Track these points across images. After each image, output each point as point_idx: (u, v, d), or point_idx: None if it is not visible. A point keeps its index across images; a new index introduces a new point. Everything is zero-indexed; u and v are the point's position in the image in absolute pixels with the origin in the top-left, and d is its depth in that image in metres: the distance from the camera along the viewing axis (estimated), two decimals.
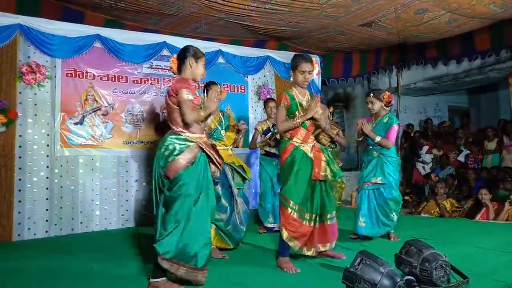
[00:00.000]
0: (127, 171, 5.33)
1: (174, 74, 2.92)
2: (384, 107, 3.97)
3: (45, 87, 4.82)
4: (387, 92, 4.00)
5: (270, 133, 4.63)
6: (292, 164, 3.11)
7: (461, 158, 7.00)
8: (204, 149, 2.70)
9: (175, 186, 2.61)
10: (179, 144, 2.64)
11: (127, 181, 5.32)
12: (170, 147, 2.64)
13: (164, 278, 2.62)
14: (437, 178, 6.41)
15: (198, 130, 2.73)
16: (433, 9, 5.07)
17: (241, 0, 4.81)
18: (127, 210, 5.29)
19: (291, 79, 3.27)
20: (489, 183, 5.81)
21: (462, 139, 7.26)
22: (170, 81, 5.69)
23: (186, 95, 2.59)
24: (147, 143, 5.49)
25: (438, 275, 2.38)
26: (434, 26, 5.64)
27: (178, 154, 2.61)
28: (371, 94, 3.98)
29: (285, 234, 3.06)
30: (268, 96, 6.07)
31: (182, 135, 2.67)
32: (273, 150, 4.62)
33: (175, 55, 2.92)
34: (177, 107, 2.66)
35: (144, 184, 5.42)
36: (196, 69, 2.80)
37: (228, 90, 6.06)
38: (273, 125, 4.63)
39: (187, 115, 2.59)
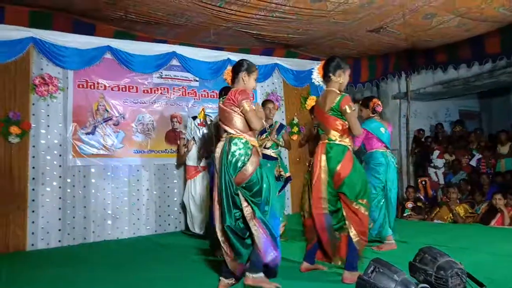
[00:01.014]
0: (138, 180, 5.37)
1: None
2: (371, 114, 4.14)
3: (57, 98, 4.91)
4: (374, 99, 4.16)
5: (266, 133, 4.56)
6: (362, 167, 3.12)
7: (473, 162, 6.91)
8: (258, 152, 2.90)
9: (252, 192, 2.77)
10: (244, 149, 2.80)
11: (138, 190, 5.36)
12: (237, 153, 2.78)
13: (262, 274, 2.76)
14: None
15: (253, 135, 2.93)
16: (442, 13, 5.05)
17: (249, 9, 4.85)
18: (138, 219, 5.32)
19: (340, 81, 3.06)
20: (503, 188, 5.71)
21: (474, 143, 7.16)
22: (179, 90, 5.76)
23: (248, 106, 2.81)
24: (157, 152, 5.54)
25: (454, 283, 2.33)
26: (443, 30, 5.60)
27: (246, 161, 2.77)
28: (360, 102, 4.20)
29: (362, 245, 2.90)
30: (277, 104, 6.07)
31: (243, 139, 2.82)
32: (268, 152, 4.53)
33: (230, 67, 3.12)
34: (240, 115, 2.84)
35: (155, 192, 5.46)
36: (248, 83, 2.97)
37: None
38: (270, 126, 4.59)
39: (254, 123, 2.83)
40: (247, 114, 2.81)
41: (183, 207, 5.31)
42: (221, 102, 3.03)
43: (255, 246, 2.73)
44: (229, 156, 2.76)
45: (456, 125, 8.02)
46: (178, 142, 5.42)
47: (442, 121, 8.42)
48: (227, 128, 2.88)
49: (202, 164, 5.10)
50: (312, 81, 3.45)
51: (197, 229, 4.99)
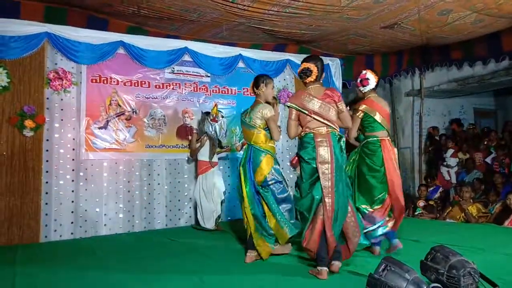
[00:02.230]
0: (149, 175, 5.41)
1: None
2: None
3: (71, 92, 4.97)
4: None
5: None
6: None
7: (488, 160, 6.78)
8: None
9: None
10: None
11: (149, 184, 5.40)
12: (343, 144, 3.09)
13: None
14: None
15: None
16: (458, 9, 4.95)
17: (262, 4, 4.83)
18: (149, 213, 5.37)
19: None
20: None
21: (493, 141, 7.02)
22: (191, 86, 5.77)
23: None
24: (168, 147, 5.57)
25: (466, 283, 2.30)
26: (459, 27, 5.50)
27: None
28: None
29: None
30: (287, 100, 6.02)
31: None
32: None
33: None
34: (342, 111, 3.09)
35: (166, 187, 5.50)
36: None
37: (247, 94, 6.09)
38: None
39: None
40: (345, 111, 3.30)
41: (195, 202, 5.34)
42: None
43: None
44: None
45: (470, 124, 7.90)
46: (190, 137, 5.43)
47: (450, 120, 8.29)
48: (333, 125, 3.10)
49: (215, 159, 5.11)
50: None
51: (207, 224, 5.04)
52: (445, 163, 7.15)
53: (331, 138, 2.99)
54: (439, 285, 2.34)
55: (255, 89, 3.59)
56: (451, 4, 4.80)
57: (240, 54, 6.05)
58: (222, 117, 5.28)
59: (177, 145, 5.63)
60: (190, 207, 5.65)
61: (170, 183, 5.54)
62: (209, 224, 5.03)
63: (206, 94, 5.90)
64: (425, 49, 6.75)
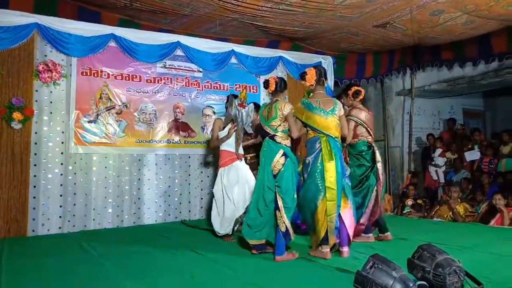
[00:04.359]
0: (139, 170, 5.38)
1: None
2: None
3: (60, 85, 4.91)
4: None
5: None
6: None
7: (470, 156, 6.85)
8: None
9: None
10: None
11: (139, 179, 5.37)
12: None
13: None
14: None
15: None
16: (449, 10, 5.00)
17: (255, 0, 4.81)
18: (139, 208, 5.34)
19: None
20: (503, 188, 5.70)
21: (477, 141, 7.13)
22: (183, 81, 5.74)
23: None
24: (159, 142, 5.54)
25: (451, 281, 2.34)
26: (450, 27, 5.56)
27: None
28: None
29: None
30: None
31: None
32: None
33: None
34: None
35: (156, 182, 5.47)
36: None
37: (240, 91, 6.08)
38: None
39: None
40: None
41: (209, 198, 5.14)
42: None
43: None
44: None
45: (459, 124, 8.00)
46: (230, 130, 4.28)
47: (445, 119, 8.39)
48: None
49: (240, 151, 4.38)
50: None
51: (221, 228, 4.23)
52: (433, 163, 7.23)
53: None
54: (425, 283, 2.38)
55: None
56: (443, 4, 4.84)
57: (232, 50, 6.02)
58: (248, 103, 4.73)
59: (168, 140, 5.60)
60: (180, 203, 5.63)
61: (160, 178, 5.51)
62: (223, 228, 4.22)
63: (198, 90, 5.87)
64: (417, 49, 6.80)
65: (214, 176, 5.87)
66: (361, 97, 4.17)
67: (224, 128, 4.33)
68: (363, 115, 4.10)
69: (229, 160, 4.28)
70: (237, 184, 4.21)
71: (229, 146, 4.29)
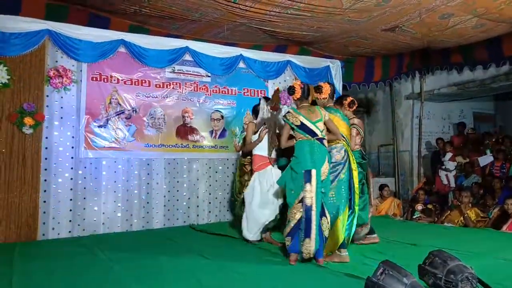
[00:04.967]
0: (148, 174, 5.40)
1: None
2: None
3: (71, 90, 4.96)
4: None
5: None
6: None
7: (483, 161, 6.78)
8: None
9: None
10: None
11: (148, 183, 5.39)
12: None
13: None
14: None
15: None
16: (459, 13, 4.96)
17: (263, 5, 4.83)
18: (147, 212, 5.36)
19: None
20: None
21: (489, 144, 7.04)
22: (191, 85, 5.77)
23: None
24: (168, 147, 5.56)
25: None
26: (460, 31, 5.51)
27: None
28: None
29: None
30: (288, 101, 6.01)
31: None
32: None
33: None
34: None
35: (164, 187, 5.49)
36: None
37: (248, 95, 6.09)
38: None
39: None
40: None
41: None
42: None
43: None
44: None
45: (470, 128, 7.91)
46: (261, 134, 4.20)
47: (455, 123, 8.31)
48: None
49: (272, 155, 4.25)
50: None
51: (250, 233, 4.15)
52: (443, 167, 7.15)
53: None
54: None
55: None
56: (453, 8, 4.81)
57: (241, 54, 6.04)
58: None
59: (176, 144, 5.62)
60: (188, 207, 5.64)
61: (169, 182, 5.54)
62: (252, 232, 4.14)
63: (206, 94, 5.89)
64: (426, 53, 6.75)
65: (223, 181, 5.90)
66: (355, 106, 4.20)
67: (256, 132, 4.24)
68: (361, 124, 4.24)
69: (262, 164, 4.20)
70: (268, 190, 4.12)
71: (261, 150, 4.21)
